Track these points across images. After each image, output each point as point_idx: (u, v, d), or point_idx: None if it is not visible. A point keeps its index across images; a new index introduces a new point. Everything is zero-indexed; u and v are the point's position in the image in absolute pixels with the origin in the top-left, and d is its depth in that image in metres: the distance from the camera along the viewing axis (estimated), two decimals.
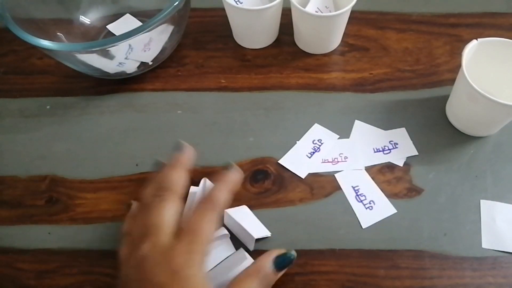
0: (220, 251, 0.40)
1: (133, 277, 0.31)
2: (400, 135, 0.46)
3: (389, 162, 0.44)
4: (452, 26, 0.54)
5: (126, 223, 0.37)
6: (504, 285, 0.38)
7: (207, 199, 0.35)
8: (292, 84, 0.50)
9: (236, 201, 0.43)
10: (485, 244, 0.39)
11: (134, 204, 0.39)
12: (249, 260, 0.39)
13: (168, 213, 0.33)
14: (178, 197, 0.35)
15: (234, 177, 0.37)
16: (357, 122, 0.47)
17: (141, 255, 0.31)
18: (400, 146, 0.45)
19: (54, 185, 0.45)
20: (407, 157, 0.44)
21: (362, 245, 0.40)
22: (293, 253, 0.35)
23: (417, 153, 0.44)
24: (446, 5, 0.56)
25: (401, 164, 0.44)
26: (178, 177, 0.36)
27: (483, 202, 0.41)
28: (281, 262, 0.35)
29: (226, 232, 0.40)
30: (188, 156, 0.39)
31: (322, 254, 0.40)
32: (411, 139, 0.45)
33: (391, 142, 0.45)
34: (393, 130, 0.46)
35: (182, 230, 0.32)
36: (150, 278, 0.30)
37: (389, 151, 0.45)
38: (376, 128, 0.47)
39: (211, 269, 0.39)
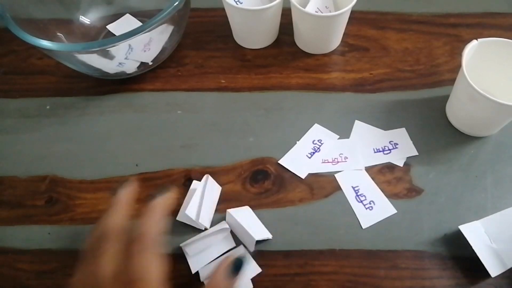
0: (220, 245, 0.40)
1: None
2: (400, 135, 0.46)
3: (389, 162, 0.44)
4: (452, 26, 0.54)
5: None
6: (504, 285, 0.38)
7: (137, 239, 0.32)
8: (292, 84, 0.50)
9: (236, 202, 0.43)
10: (493, 273, 0.36)
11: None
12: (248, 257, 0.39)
13: (108, 263, 0.31)
14: (117, 240, 0.33)
15: (163, 204, 0.35)
16: (357, 122, 0.47)
17: None
18: (400, 146, 0.45)
19: (54, 185, 0.45)
20: (407, 157, 0.44)
21: (362, 245, 0.40)
22: (242, 257, 0.34)
23: (417, 153, 0.44)
24: (446, 5, 0.56)
25: (401, 164, 0.44)
26: (116, 220, 0.34)
27: (462, 227, 0.38)
28: (235, 268, 0.33)
29: (227, 226, 0.40)
30: (127, 193, 0.36)
31: (322, 255, 0.40)
32: (411, 139, 0.45)
33: (391, 142, 0.45)
34: (393, 130, 0.46)
35: (128, 280, 0.30)
36: None
37: (389, 151, 0.45)
38: (376, 128, 0.46)
39: (211, 261, 0.39)
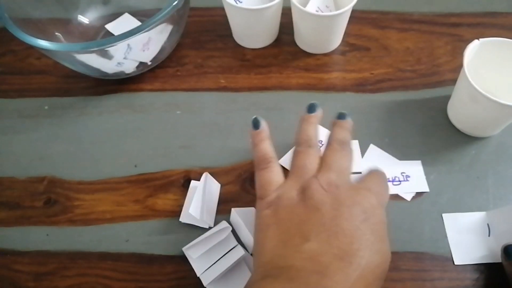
0: (222, 245, 0.39)
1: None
2: (414, 168, 0.43)
3: (396, 194, 0.42)
4: (453, 25, 0.54)
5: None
6: (504, 286, 0.37)
7: (338, 141, 0.36)
8: (292, 84, 0.50)
9: (236, 202, 0.42)
10: (457, 261, 0.38)
11: None
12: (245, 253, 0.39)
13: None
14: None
15: (351, 123, 0.39)
16: (371, 146, 0.45)
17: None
18: (412, 180, 0.42)
19: (52, 186, 0.45)
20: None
21: None
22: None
23: (428, 190, 0.42)
24: (447, 4, 0.56)
25: (408, 198, 0.42)
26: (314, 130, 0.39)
27: (445, 216, 0.40)
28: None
29: (227, 225, 0.39)
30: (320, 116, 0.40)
31: None
32: (412, 140, 0.45)
33: (403, 174, 0.43)
34: (408, 161, 0.44)
35: (326, 168, 0.34)
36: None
37: (399, 182, 0.43)
38: (390, 156, 0.44)
39: (214, 263, 0.38)
